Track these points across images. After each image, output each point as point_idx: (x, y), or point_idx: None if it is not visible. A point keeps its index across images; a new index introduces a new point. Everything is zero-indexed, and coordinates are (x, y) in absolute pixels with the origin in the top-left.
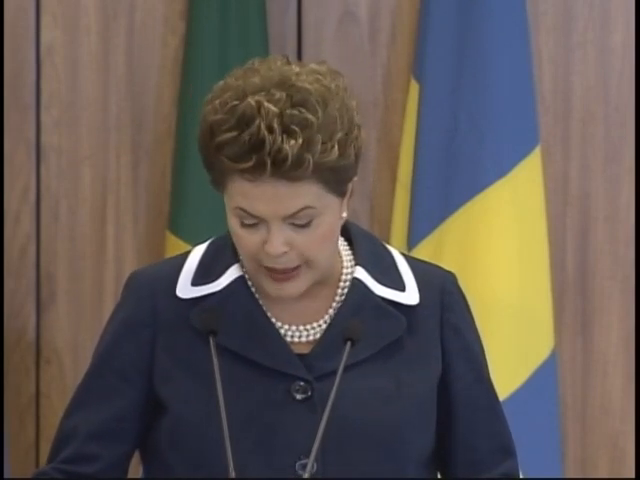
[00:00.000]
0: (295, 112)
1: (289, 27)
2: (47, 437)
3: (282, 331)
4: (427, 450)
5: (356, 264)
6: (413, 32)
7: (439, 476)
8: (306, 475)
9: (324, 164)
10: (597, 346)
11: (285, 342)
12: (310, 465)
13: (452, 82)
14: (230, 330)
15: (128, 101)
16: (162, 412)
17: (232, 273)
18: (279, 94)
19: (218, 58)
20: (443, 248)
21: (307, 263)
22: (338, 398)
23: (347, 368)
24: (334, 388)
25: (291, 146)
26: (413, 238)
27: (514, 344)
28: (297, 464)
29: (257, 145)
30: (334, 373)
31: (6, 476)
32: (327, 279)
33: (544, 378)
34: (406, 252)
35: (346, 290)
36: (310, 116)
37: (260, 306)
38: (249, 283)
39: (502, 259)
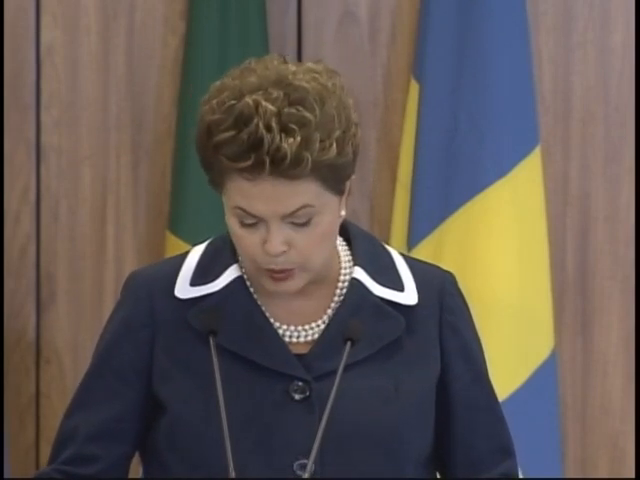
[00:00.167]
0: (293, 111)
1: (289, 27)
2: (47, 437)
3: (280, 331)
4: (426, 450)
5: (355, 264)
6: (413, 32)
7: (438, 476)
8: (306, 475)
9: (322, 162)
10: (597, 346)
11: (283, 342)
12: (310, 465)
13: (452, 82)
14: (228, 330)
15: (128, 101)
16: (161, 412)
17: (231, 273)
18: (276, 93)
19: (218, 58)
20: (443, 248)
21: (304, 264)
22: (337, 398)
23: (346, 368)
24: (334, 388)
25: (289, 144)
26: (413, 238)
27: (514, 344)
28: (295, 464)
29: (256, 144)
30: (332, 373)
31: (6, 476)
32: (325, 279)
33: (544, 378)
34: (406, 252)
35: (345, 290)
36: (308, 114)
37: (259, 306)
38: (248, 283)
39: (502, 259)
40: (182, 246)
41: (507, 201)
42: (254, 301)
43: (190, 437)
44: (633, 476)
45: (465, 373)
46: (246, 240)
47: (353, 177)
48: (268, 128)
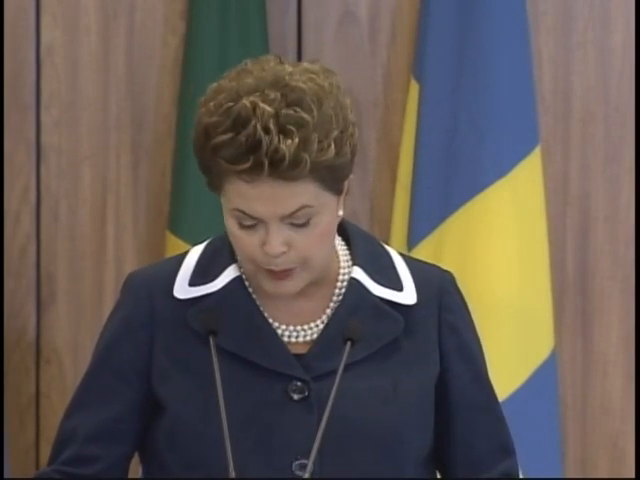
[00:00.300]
0: (290, 112)
1: (289, 27)
2: (47, 437)
3: (279, 331)
4: (425, 450)
5: (353, 264)
6: (413, 32)
7: (438, 476)
8: (305, 475)
9: (321, 163)
10: (597, 346)
11: (282, 342)
12: (310, 465)
13: (452, 82)
14: (227, 330)
15: (128, 101)
16: (160, 412)
17: (229, 273)
18: (274, 94)
19: (218, 58)
20: (443, 248)
21: (305, 263)
22: (336, 398)
23: (345, 368)
24: (334, 388)
25: (288, 146)
26: (413, 238)
27: (514, 344)
28: (294, 464)
29: (254, 146)
30: (331, 373)
31: (6, 476)
32: (324, 279)
33: (544, 378)
34: (406, 252)
35: (343, 290)
36: (306, 115)
37: (257, 306)
38: (246, 283)
39: (502, 259)
40: (182, 246)
41: (507, 201)
42: (253, 301)
43: (190, 437)
44: (633, 476)
45: (464, 373)
46: (245, 241)
47: (351, 177)
48: (266, 130)
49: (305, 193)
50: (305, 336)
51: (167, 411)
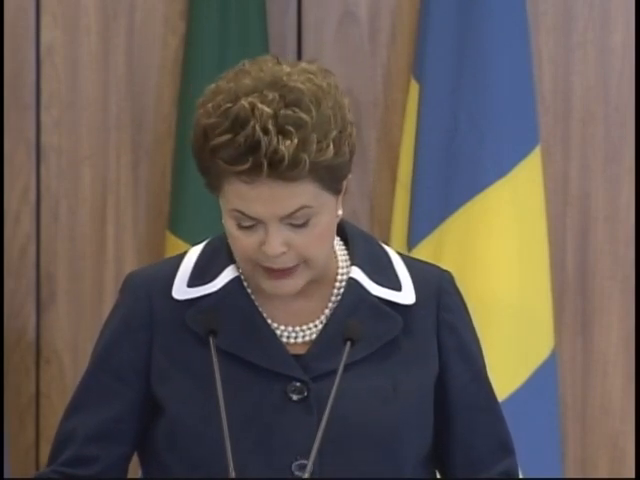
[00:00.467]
0: (289, 112)
1: (289, 27)
2: (47, 437)
3: (278, 332)
4: (425, 449)
5: (352, 264)
6: (413, 32)
7: (438, 476)
8: (305, 475)
9: (320, 163)
10: (597, 346)
11: (281, 343)
12: (310, 465)
13: (452, 82)
14: (226, 331)
15: (128, 101)
16: (160, 413)
17: (228, 274)
18: (272, 95)
19: (218, 58)
20: (443, 248)
21: (305, 262)
22: (336, 398)
23: (344, 368)
24: (334, 388)
25: (287, 147)
26: (413, 238)
27: (514, 344)
28: (293, 464)
29: (253, 147)
30: (331, 373)
31: (6, 476)
32: (323, 279)
33: (544, 378)
34: (406, 252)
35: (342, 290)
36: (304, 116)
37: (256, 307)
38: (245, 284)
39: (502, 259)
40: (182, 246)
41: (507, 201)
42: (252, 302)
43: (189, 437)
44: (633, 476)
45: (464, 372)
46: (244, 242)
47: (350, 176)
48: (265, 131)
49: (304, 193)
50: (304, 336)
51: (167, 411)
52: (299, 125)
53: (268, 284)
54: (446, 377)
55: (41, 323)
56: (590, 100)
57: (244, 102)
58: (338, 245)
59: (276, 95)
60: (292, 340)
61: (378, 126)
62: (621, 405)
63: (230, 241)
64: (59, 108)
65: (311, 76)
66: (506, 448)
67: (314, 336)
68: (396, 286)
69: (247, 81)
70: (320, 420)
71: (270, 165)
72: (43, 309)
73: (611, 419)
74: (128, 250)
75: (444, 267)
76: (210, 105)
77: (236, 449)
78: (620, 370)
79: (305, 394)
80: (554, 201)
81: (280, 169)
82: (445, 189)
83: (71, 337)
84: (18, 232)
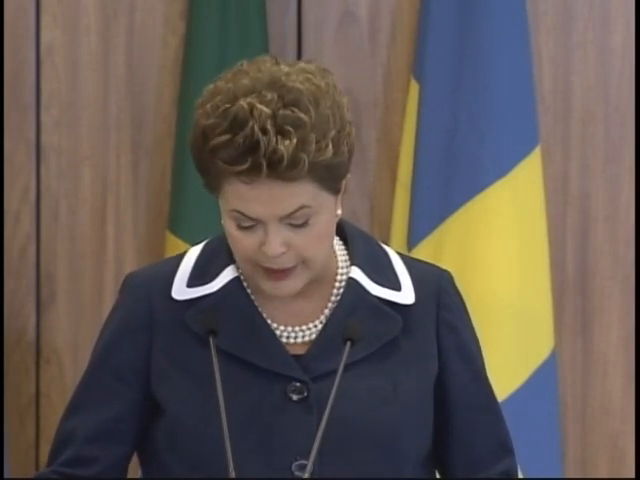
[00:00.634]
0: (288, 112)
1: (289, 27)
2: (47, 437)
3: (278, 332)
4: (425, 449)
5: (352, 264)
6: (413, 32)
7: (438, 476)
8: (305, 475)
9: (319, 163)
10: (597, 346)
11: (281, 343)
12: (309, 465)
13: (452, 82)
14: (226, 331)
15: (128, 101)
16: (160, 413)
17: (228, 274)
18: (270, 95)
19: (218, 58)
20: (443, 248)
21: (304, 262)
22: (335, 398)
23: (344, 368)
24: (334, 388)
25: (286, 147)
26: (413, 238)
27: (514, 344)
28: (293, 465)
29: (252, 147)
30: (330, 374)
31: (6, 476)
32: (322, 279)
33: (544, 378)
34: (406, 252)
35: (341, 290)
36: (303, 116)
37: (256, 307)
38: (245, 284)
39: (502, 259)
40: (182, 246)
41: (507, 201)
42: (251, 302)
43: (189, 437)
44: (633, 476)
45: (463, 371)
46: (244, 242)
47: (349, 176)
48: (264, 131)
49: (303, 193)
50: (304, 337)
51: (166, 412)
52: (298, 125)
53: (268, 285)
54: (446, 377)
55: (41, 323)
56: (590, 100)
57: (243, 102)
58: (338, 245)
59: (274, 95)
60: (292, 340)
61: (378, 126)
62: (621, 405)
63: (230, 241)
64: (59, 108)
65: (309, 76)
66: (506, 448)
67: (314, 336)
68: (396, 286)
69: (245, 81)
70: (320, 420)
71: (269, 165)
72: (43, 309)
73: (611, 419)
74: (128, 250)
75: (444, 267)
76: (209, 106)
77: (236, 449)
78: (620, 370)
79: (305, 394)
80: (554, 201)
81: (279, 169)
82: (445, 189)
83: (71, 337)
84: (18, 232)
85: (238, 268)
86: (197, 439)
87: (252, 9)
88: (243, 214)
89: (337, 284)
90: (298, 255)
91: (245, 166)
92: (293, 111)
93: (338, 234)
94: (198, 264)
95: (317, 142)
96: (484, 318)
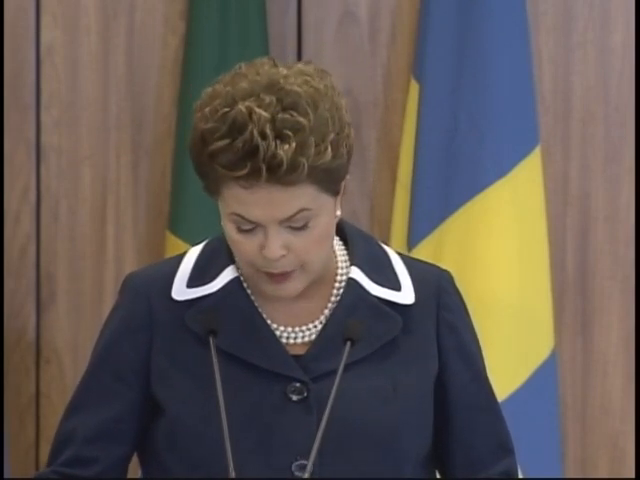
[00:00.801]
0: (287, 116)
1: (289, 27)
2: (47, 437)
3: (278, 332)
4: (425, 449)
5: (351, 264)
6: (413, 32)
7: (438, 476)
8: (305, 475)
9: (318, 166)
10: (597, 346)
11: (281, 343)
12: (309, 465)
13: (452, 82)
14: (226, 331)
15: (128, 101)
16: (159, 413)
17: (227, 274)
18: (269, 98)
19: (218, 58)
20: (443, 248)
21: (303, 267)
22: (335, 398)
23: (344, 368)
24: (334, 388)
25: (285, 151)
26: (413, 238)
27: (514, 344)
28: (293, 465)
29: (251, 152)
30: (330, 374)
31: (6, 476)
32: (322, 279)
33: (544, 378)
34: (406, 252)
35: (341, 290)
36: (302, 119)
37: (256, 307)
38: (244, 285)
39: (502, 259)
40: (182, 246)
41: (507, 201)
42: (251, 302)
43: (189, 437)
44: (633, 476)
45: (463, 371)
46: (244, 245)
47: (348, 177)
48: (263, 135)
49: (303, 196)
50: (303, 337)
51: (166, 412)
52: (297, 129)
53: (269, 287)
54: (446, 377)
55: (41, 323)
56: (590, 100)
57: (241, 106)
58: (337, 245)
59: (273, 99)
60: (292, 340)
61: (378, 126)
62: (621, 405)
63: (230, 244)
64: (59, 108)
65: (308, 78)
66: (506, 448)
67: (314, 336)
68: (396, 286)
69: (244, 84)
70: (320, 420)
71: (268, 170)
72: (43, 309)
73: (611, 419)
74: (128, 250)
75: (444, 267)
76: (207, 109)
77: (236, 449)
78: (620, 370)
79: (305, 394)
80: (554, 201)
81: (279, 173)
82: (445, 189)
83: (71, 337)
84: (18, 232)
85: (238, 268)
86: (197, 439)
87: (252, 9)
88: (243, 217)
89: (337, 284)
90: (298, 258)
91: (244, 171)
92: (292, 115)
93: (338, 234)
94: (198, 264)
95: (316, 145)
96: (484, 318)
